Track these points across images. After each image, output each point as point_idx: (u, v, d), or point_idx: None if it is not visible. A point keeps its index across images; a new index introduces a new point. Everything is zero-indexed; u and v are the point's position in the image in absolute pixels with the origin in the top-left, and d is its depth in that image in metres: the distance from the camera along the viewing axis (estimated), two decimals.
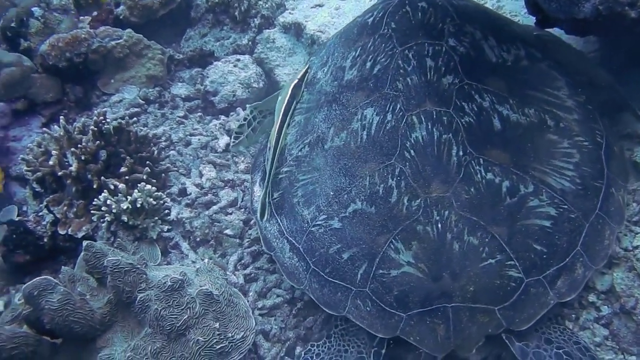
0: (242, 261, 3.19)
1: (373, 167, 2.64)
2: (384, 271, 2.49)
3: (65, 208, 3.24)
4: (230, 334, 2.49)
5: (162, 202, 3.12)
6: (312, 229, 2.70)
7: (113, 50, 4.00)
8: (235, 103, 4.18)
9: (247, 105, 3.67)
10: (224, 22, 4.29)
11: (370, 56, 2.86)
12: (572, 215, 2.50)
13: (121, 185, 2.98)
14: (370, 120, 2.70)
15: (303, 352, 2.72)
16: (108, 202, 2.99)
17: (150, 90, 4.28)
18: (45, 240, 3.30)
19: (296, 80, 3.00)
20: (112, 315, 2.52)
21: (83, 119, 3.30)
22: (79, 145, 3.10)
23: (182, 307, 2.43)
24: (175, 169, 3.56)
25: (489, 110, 2.65)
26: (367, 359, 2.67)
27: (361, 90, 2.80)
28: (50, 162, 3.23)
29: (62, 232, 3.25)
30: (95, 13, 4.35)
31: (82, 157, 3.12)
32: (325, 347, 2.74)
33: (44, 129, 3.23)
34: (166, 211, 3.18)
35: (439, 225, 2.49)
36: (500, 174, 2.52)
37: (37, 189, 3.61)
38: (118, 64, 4.26)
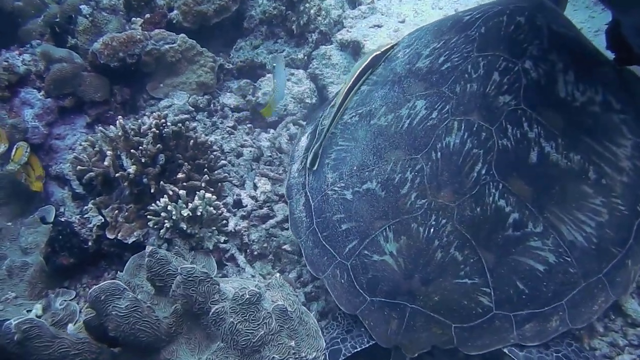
0: (302, 278, 3.40)
1: (400, 155, 2.90)
2: (368, 253, 2.79)
3: (116, 212, 3.30)
4: (304, 354, 2.57)
5: (220, 212, 3.38)
6: (328, 192, 3.02)
7: (166, 54, 4.47)
8: (286, 117, 4.51)
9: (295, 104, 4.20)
10: (278, 35, 4.73)
11: (447, 52, 3.07)
12: (571, 269, 2.63)
13: (181, 192, 3.27)
14: (418, 112, 2.95)
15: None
16: (168, 208, 3.18)
17: (200, 97, 4.70)
18: (90, 243, 3.46)
19: (379, 52, 3.26)
20: (178, 326, 2.62)
21: (139, 121, 3.63)
22: (140, 148, 3.31)
23: (259, 322, 2.50)
24: (230, 179, 3.81)
25: (531, 142, 2.78)
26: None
27: (423, 81, 3.05)
28: (105, 163, 3.39)
29: (110, 236, 3.38)
30: (147, 15, 4.81)
31: (143, 160, 3.31)
32: (334, 325, 2.95)
33: (100, 128, 3.14)
34: (224, 222, 3.47)
35: (431, 230, 2.70)
36: (513, 205, 2.68)
37: (77, 190, 3.90)
38: (169, 69, 4.64)
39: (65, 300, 3.38)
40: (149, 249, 2.66)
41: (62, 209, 3.99)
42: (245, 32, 4.99)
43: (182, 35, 4.52)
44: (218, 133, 4.29)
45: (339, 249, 2.88)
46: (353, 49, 4.71)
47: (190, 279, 2.48)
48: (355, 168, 2.98)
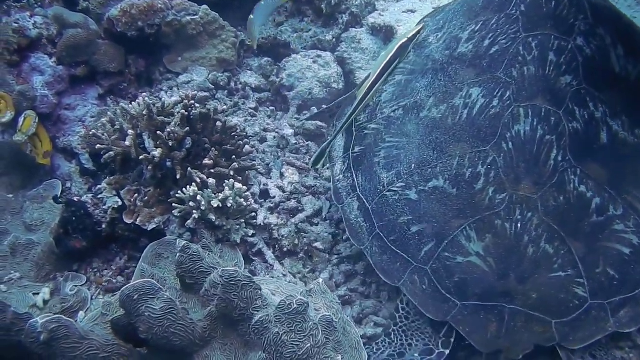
0: (334, 280, 3.27)
1: (465, 148, 2.79)
2: (450, 255, 2.68)
3: (135, 195, 3.29)
4: None
5: (248, 203, 3.22)
6: (387, 193, 2.89)
7: (187, 26, 4.35)
8: (310, 102, 4.35)
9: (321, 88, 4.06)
10: (305, 13, 4.64)
11: (491, 34, 2.98)
12: None
13: (211, 180, 3.10)
14: (475, 101, 2.85)
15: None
16: (198, 197, 3.01)
17: (220, 75, 4.44)
18: (104, 226, 3.29)
19: (405, 39, 3.05)
20: (212, 330, 2.45)
21: (163, 99, 3.53)
22: (167, 130, 3.14)
23: (305, 334, 2.35)
24: (257, 167, 3.59)
25: (599, 122, 2.79)
26: (436, 349, 2.74)
27: (472, 67, 2.95)
28: (127, 143, 3.20)
29: (128, 221, 3.22)
30: None
31: (170, 144, 3.14)
32: (386, 343, 2.84)
33: (122, 104, 3.00)
34: (252, 214, 3.30)
35: (519, 225, 2.64)
36: (593, 190, 2.70)
37: (86, 165, 3.74)
38: (189, 42, 4.38)
39: (75, 286, 3.23)
40: (180, 243, 2.50)
41: (68, 184, 3.85)
42: None
43: (205, 6, 4.30)
44: (240, 115, 4.06)
45: (412, 253, 2.76)
46: (385, 34, 4.54)
47: (232, 282, 2.32)
48: (413, 166, 2.87)
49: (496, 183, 2.70)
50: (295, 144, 3.87)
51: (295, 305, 2.29)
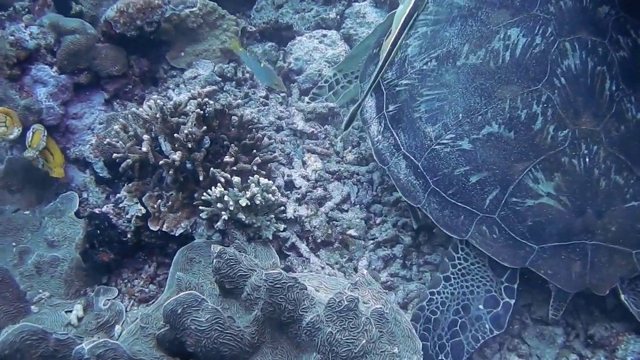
0: (373, 267, 3.20)
1: (515, 90, 2.73)
2: (518, 200, 2.65)
3: (158, 201, 3.19)
4: (405, 359, 2.36)
5: (276, 197, 3.12)
6: (436, 147, 2.83)
7: (186, 20, 4.23)
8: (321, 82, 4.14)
9: (330, 68, 3.92)
10: None
11: None
12: None
13: (235, 179, 3.02)
14: (515, 41, 2.80)
15: (425, 303, 2.79)
16: (225, 198, 2.91)
17: (226, 66, 4.33)
18: (129, 236, 3.23)
19: None
20: (261, 335, 2.42)
21: (174, 98, 3.31)
22: (185, 132, 3.06)
23: (359, 330, 2.29)
24: (280, 158, 3.52)
25: None
26: (500, 297, 2.72)
27: (505, 8, 2.90)
28: (143, 149, 3.11)
29: (154, 228, 3.14)
30: None
31: (189, 146, 3.07)
32: (448, 293, 2.79)
33: (133, 108, 2.86)
34: (281, 208, 3.23)
35: (587, 160, 2.64)
36: None
37: (100, 174, 3.65)
38: (190, 36, 4.28)
39: (108, 300, 3.16)
40: (216, 248, 2.43)
41: (85, 195, 3.75)
42: None
43: None
44: (253, 105, 3.95)
45: (476, 204, 2.72)
46: (390, 5, 4.39)
47: (277, 285, 2.26)
48: (461, 115, 2.80)
49: (555, 120, 2.67)
50: (313, 128, 3.75)
51: (346, 302, 2.22)
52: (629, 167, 2.65)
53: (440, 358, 2.65)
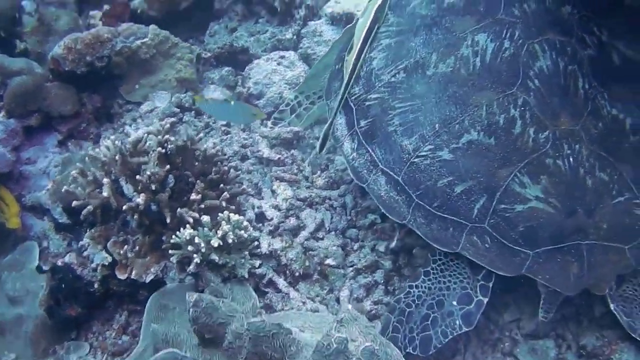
0: (355, 296, 3.08)
1: (490, 96, 2.71)
2: (507, 206, 2.61)
3: (125, 247, 3.04)
4: None
5: (249, 233, 2.98)
6: (415, 160, 2.77)
7: (138, 51, 4.17)
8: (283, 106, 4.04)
9: (291, 91, 3.89)
10: (258, 14, 4.26)
11: None
12: None
13: (205, 218, 2.88)
14: (484, 47, 2.78)
15: (402, 295, 2.79)
16: (196, 240, 2.79)
17: (183, 95, 4.20)
18: (96, 286, 3.08)
19: (379, 2, 3.03)
20: None
21: (132, 136, 3.16)
22: (148, 173, 2.93)
23: None
24: (248, 190, 3.41)
25: (607, 44, 2.82)
26: (474, 295, 2.70)
27: (469, 14, 2.87)
28: (104, 194, 2.98)
29: (122, 277, 2.99)
30: (107, 7, 4.35)
31: (153, 187, 2.93)
32: (425, 287, 2.78)
33: (90, 151, 3.15)
34: (255, 243, 3.09)
35: (571, 160, 2.63)
36: (623, 111, 2.73)
37: (60, 220, 3.48)
38: (143, 67, 4.18)
39: (80, 358, 2.99)
40: (191, 297, 2.36)
41: (45, 243, 3.61)
42: (217, 14, 4.59)
43: (153, 26, 4.12)
44: (215, 135, 3.83)
45: (464, 214, 2.66)
46: (346, 21, 4.31)
47: (260, 334, 2.13)
48: (438, 126, 2.74)
49: (535, 123, 2.65)
50: (279, 155, 3.65)
51: (335, 345, 2.13)
52: (611, 163, 2.65)
53: (408, 350, 2.63)
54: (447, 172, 2.69)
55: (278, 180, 3.50)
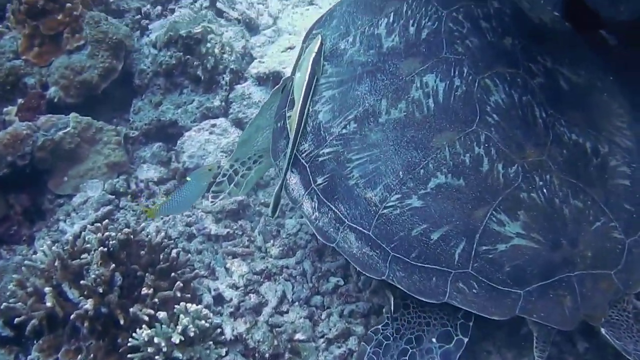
0: None
1: (451, 136, 2.70)
2: (489, 247, 2.57)
3: (78, 355, 2.89)
4: None
5: (210, 321, 2.92)
6: (384, 211, 2.69)
7: (62, 142, 4.05)
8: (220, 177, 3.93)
9: (226, 160, 3.84)
10: (182, 85, 4.32)
11: (411, 21, 2.96)
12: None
13: (162, 314, 2.81)
14: (435, 87, 2.78)
15: (381, 327, 2.77)
16: (155, 340, 2.68)
17: (116, 180, 4.10)
18: None
19: (314, 54, 3.00)
20: None
21: (72, 231, 3.37)
22: (93, 276, 2.84)
23: None
24: (201, 272, 3.34)
25: (553, 72, 2.91)
26: (454, 333, 2.66)
27: (412, 56, 2.88)
28: (48, 304, 2.88)
29: None
30: (21, 101, 4.17)
31: (100, 290, 2.84)
32: (404, 321, 2.75)
33: (26, 262, 2.96)
34: (218, 330, 3.01)
35: (545, 191, 2.63)
36: (581, 135, 2.80)
37: (3, 334, 3.19)
38: (70, 158, 4.07)
39: None
40: None
41: None
42: (139, 90, 4.49)
43: (74, 114, 4.09)
44: (156, 218, 3.68)
45: (446, 261, 2.59)
46: (273, 80, 4.30)
47: None
48: (402, 173, 2.70)
49: (502, 158, 2.66)
50: (227, 229, 3.53)
51: None
52: (582, 189, 2.69)
53: None
54: (420, 219, 2.64)
55: (230, 256, 3.40)
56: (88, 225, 3.01)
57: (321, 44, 3.07)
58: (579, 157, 2.75)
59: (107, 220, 3.03)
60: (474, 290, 2.56)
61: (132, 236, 3.03)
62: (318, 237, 2.87)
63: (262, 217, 3.69)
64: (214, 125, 4.22)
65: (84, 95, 4.28)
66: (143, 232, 3.07)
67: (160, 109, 4.39)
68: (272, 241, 3.52)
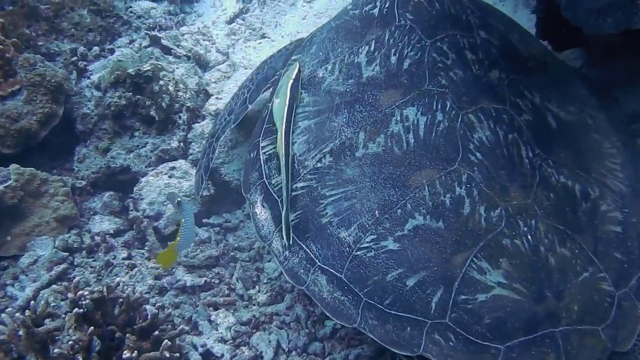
0: None
1: (431, 174, 2.59)
2: (468, 296, 2.44)
3: None
4: None
5: None
6: (358, 253, 2.57)
7: (3, 198, 3.74)
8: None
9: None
10: (132, 127, 4.08)
11: (393, 50, 2.89)
12: (633, 219, 2.71)
13: None
14: (416, 121, 2.70)
15: None
16: None
17: (67, 236, 3.83)
18: None
19: (291, 81, 2.95)
20: None
21: (26, 293, 3.10)
22: (70, 343, 2.56)
23: None
24: (185, 328, 3.04)
25: (541, 108, 2.84)
26: None
27: (393, 88, 2.81)
28: None
29: None
30: None
31: (80, 358, 2.55)
32: None
33: None
34: None
35: (529, 237, 2.49)
36: (570, 177, 2.69)
37: None
38: (13, 214, 3.79)
39: None
40: None
41: None
42: (82, 137, 4.34)
43: (14, 165, 4.07)
44: (120, 273, 3.40)
45: (421, 311, 2.46)
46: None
47: None
48: (377, 212, 2.62)
49: (484, 200, 2.57)
50: (204, 277, 3.27)
51: None
52: (570, 236, 2.59)
53: None
54: (396, 263, 2.57)
55: (211, 308, 3.09)
56: (54, 286, 2.66)
57: (299, 70, 3.11)
58: (567, 201, 2.71)
59: (77, 278, 2.69)
60: (450, 343, 2.45)
61: (106, 294, 2.71)
62: (287, 278, 2.83)
63: (237, 263, 3.47)
64: (173, 168, 4.23)
65: (23, 144, 4.22)
66: (118, 288, 2.74)
67: (109, 155, 4.39)
68: (256, 287, 3.33)
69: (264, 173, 3.02)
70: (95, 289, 2.80)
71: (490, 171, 2.64)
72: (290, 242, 2.78)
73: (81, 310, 2.68)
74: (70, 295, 2.79)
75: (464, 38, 2.92)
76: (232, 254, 3.67)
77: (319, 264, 2.68)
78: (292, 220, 2.81)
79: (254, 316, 3.22)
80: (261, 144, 3.06)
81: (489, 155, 2.66)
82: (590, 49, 3.55)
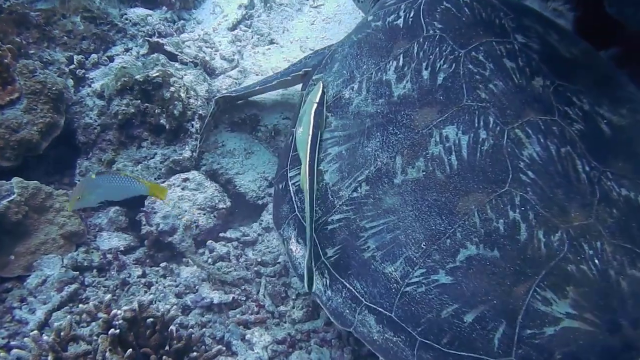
0: None
1: (480, 198, 2.41)
2: (534, 331, 2.24)
3: None
4: None
5: None
6: (407, 289, 2.41)
7: (7, 213, 3.51)
8: (200, 236, 3.69)
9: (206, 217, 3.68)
10: (140, 137, 3.71)
11: (424, 63, 2.74)
12: None
13: None
14: (457, 141, 2.53)
15: None
16: None
17: (75, 253, 3.62)
18: None
19: (315, 105, 2.78)
20: None
21: (32, 319, 2.93)
22: None
23: None
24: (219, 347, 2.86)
25: (592, 114, 2.67)
26: None
27: (428, 106, 2.64)
28: None
29: None
30: None
31: None
32: None
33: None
34: None
35: (596, 261, 2.31)
36: (632, 188, 2.51)
37: None
38: (16, 232, 3.59)
39: None
40: None
41: None
42: (84, 149, 4.13)
43: (17, 178, 3.84)
44: (137, 292, 3.19)
45: (484, 348, 2.27)
46: (250, 124, 3.95)
47: None
48: (424, 244, 2.45)
49: (542, 223, 2.39)
50: (231, 295, 3.11)
51: None
52: (638, 254, 2.39)
53: None
54: (450, 298, 2.40)
55: (245, 327, 2.92)
56: (75, 309, 2.46)
57: (323, 92, 2.92)
58: (632, 216, 2.51)
59: (108, 296, 2.48)
60: None
61: (139, 314, 2.52)
62: (332, 319, 2.65)
63: (262, 278, 3.28)
64: (186, 180, 4.00)
65: (23, 156, 3.97)
66: (152, 306, 2.54)
67: (115, 167, 4.10)
68: (287, 303, 3.16)
69: (295, 206, 2.86)
70: (127, 307, 2.66)
71: (545, 191, 2.46)
72: (312, 290, 2.63)
73: (117, 331, 2.55)
74: (102, 315, 2.64)
75: (500, 45, 2.75)
76: (255, 269, 3.48)
77: (365, 302, 2.51)
78: (330, 257, 2.64)
79: (289, 334, 3.08)
80: (289, 174, 2.91)
81: (542, 174, 2.48)
82: (632, 48, 3.38)
